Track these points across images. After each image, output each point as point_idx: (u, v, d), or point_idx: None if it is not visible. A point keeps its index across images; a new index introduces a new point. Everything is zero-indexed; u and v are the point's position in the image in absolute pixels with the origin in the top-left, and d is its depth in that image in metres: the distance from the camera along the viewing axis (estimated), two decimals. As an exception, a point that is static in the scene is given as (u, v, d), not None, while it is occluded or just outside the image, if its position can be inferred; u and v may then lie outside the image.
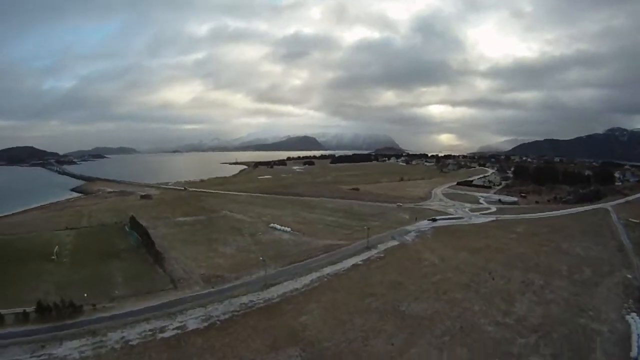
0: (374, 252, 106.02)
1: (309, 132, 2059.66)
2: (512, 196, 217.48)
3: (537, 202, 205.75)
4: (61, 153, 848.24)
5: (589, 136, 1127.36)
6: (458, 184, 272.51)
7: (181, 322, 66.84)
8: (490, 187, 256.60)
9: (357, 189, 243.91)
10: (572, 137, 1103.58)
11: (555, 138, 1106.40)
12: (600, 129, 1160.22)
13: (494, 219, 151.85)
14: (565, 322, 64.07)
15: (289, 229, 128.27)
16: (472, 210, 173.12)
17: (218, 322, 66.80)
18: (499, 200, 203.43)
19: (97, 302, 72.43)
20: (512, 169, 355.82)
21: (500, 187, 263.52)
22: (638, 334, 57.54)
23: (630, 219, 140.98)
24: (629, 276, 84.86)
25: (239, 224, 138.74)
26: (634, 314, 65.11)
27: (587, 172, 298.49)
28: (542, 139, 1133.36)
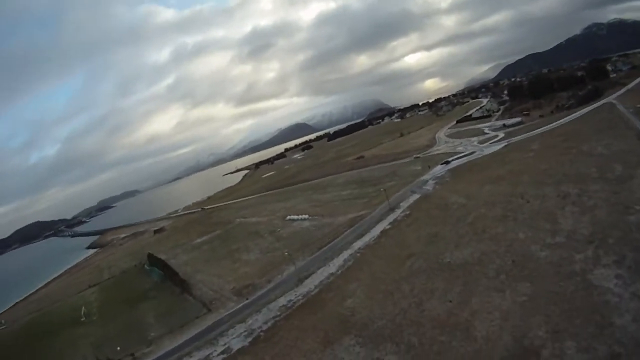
0: (398, 212, 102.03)
1: (298, 119, 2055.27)
2: (514, 118, 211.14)
3: (541, 116, 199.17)
4: (69, 217, 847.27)
5: (568, 40, 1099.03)
6: (457, 122, 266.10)
7: (224, 345, 63.89)
8: (490, 116, 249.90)
9: (362, 157, 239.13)
10: (553, 46, 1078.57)
11: (536, 52, 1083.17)
12: (577, 30, 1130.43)
13: (506, 143, 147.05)
14: (615, 224, 59.60)
15: (306, 216, 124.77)
16: (480, 142, 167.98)
17: (262, 334, 63.59)
18: (504, 125, 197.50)
19: (135, 351, 70.30)
20: (506, 92, 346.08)
21: (500, 112, 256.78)
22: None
23: (638, 105, 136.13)
24: None
25: (256, 227, 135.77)
26: None
27: (579, 74, 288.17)
28: (523, 56, 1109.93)
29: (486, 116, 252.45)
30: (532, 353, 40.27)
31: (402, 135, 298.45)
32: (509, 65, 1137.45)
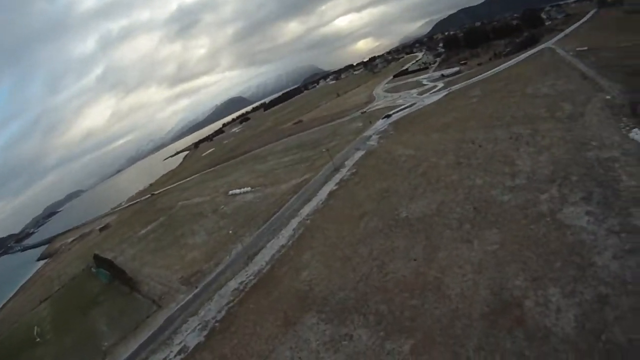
0: (344, 171, 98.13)
1: (233, 94, 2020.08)
2: (452, 68, 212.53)
3: (479, 64, 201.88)
4: (17, 231, 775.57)
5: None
6: (394, 77, 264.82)
7: (180, 343, 58.13)
8: (427, 68, 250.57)
9: (300, 121, 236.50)
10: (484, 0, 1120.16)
11: (468, 6, 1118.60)
12: None
13: (446, 92, 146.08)
14: (575, 160, 58.58)
15: (249, 189, 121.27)
16: (420, 93, 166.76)
17: (217, 325, 58.08)
18: (442, 75, 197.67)
19: (90, 365, 63.48)
20: (441, 44, 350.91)
21: (437, 64, 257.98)
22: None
23: (577, 49, 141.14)
24: (608, 97, 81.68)
25: (199, 208, 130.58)
26: (635, 129, 61.75)
27: (515, 22, 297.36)
28: (455, 10, 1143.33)
29: (423, 69, 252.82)
30: (514, 305, 36.83)
31: (338, 95, 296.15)
32: (442, 21, 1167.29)
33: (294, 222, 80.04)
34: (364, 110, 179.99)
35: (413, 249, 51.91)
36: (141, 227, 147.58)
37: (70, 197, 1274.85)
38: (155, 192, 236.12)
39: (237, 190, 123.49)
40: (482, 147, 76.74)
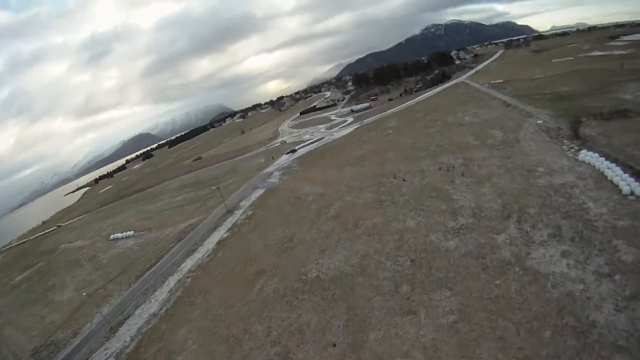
0: (238, 213, 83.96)
1: (141, 130, 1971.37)
2: (362, 103, 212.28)
3: (390, 100, 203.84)
4: None
5: (407, 40, 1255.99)
6: (301, 114, 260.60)
7: None
8: (335, 105, 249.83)
9: (200, 158, 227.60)
10: (393, 45, 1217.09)
11: (376, 51, 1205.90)
12: (416, 30, 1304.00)
13: (358, 125, 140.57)
14: (526, 190, 52.28)
15: (131, 232, 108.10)
16: (328, 128, 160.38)
17: None
18: (351, 110, 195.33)
19: None
20: (350, 82, 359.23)
21: (346, 100, 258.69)
22: (611, 171, 50.68)
23: (492, 82, 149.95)
24: (539, 121, 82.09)
25: (77, 253, 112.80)
26: (584, 151, 59.01)
27: (425, 61, 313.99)
28: (364, 55, 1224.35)
29: (331, 105, 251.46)
30: None
31: (243, 132, 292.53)
32: (350, 64, 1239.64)
33: (172, 281, 63.91)
34: (269, 145, 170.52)
35: (330, 328, 37.17)
36: (18, 273, 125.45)
37: None
38: (44, 232, 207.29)
39: (120, 234, 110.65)
40: (407, 182, 67.06)
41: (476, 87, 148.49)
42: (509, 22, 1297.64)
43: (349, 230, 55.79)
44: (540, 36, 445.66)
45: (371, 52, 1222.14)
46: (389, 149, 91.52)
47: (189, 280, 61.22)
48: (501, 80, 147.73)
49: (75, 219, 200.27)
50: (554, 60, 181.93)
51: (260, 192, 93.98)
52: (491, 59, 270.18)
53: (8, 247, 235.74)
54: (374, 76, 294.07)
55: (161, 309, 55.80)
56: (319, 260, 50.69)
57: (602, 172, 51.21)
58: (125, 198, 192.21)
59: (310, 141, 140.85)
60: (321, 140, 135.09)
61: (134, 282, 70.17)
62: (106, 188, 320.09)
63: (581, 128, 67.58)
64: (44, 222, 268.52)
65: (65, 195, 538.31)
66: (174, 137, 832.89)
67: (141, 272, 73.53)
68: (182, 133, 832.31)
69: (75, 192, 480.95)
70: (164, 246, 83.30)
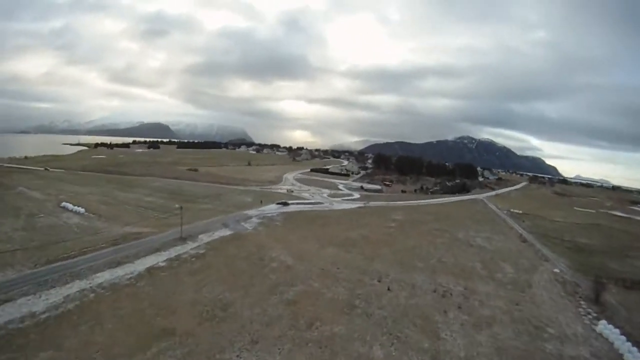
0: (190, 245, 70.42)
1: (163, 120, 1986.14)
2: (375, 184, 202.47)
3: (403, 192, 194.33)
4: None
5: (439, 141, 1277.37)
6: (312, 170, 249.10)
7: None
8: (348, 175, 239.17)
9: (195, 170, 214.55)
10: (423, 142, 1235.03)
11: (407, 141, 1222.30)
12: (450, 136, 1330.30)
13: (362, 204, 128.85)
14: (531, 353, 41.56)
15: (82, 210, 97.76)
16: (332, 195, 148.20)
17: None
18: (361, 187, 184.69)
19: None
20: (370, 160, 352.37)
21: (360, 175, 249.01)
22: (632, 356, 42.99)
23: (511, 210, 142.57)
24: (556, 270, 72.91)
25: (25, 202, 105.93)
26: (603, 322, 50.51)
27: (450, 166, 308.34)
28: (393, 140, 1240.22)
29: (344, 174, 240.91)
30: None
31: (249, 164, 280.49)
32: (377, 144, 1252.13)
33: (75, 287, 51.09)
34: (265, 187, 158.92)
35: None
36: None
37: None
38: (18, 166, 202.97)
39: (71, 206, 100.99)
40: (391, 292, 53.89)
41: (494, 210, 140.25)
42: (538, 159, 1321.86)
43: (299, 330, 41.96)
44: (564, 181, 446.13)
45: (401, 140, 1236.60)
46: (385, 244, 79.01)
47: (90, 298, 47.54)
48: (521, 212, 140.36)
49: (53, 169, 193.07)
50: (575, 208, 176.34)
51: (226, 232, 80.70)
52: (514, 187, 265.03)
53: None
54: (396, 162, 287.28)
55: (43, 310, 43.63)
56: (242, 354, 36.86)
57: (621, 356, 42.91)
58: (106, 174, 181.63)
59: (307, 201, 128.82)
60: (318, 205, 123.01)
61: (44, 265, 58.36)
62: (98, 156, 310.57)
63: (603, 293, 59.65)
64: (25, 157, 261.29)
65: (63, 144, 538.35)
66: (187, 140, 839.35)
67: (55, 258, 61.34)
68: (197, 140, 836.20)
69: (73, 147, 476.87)
70: (100, 240, 71.36)
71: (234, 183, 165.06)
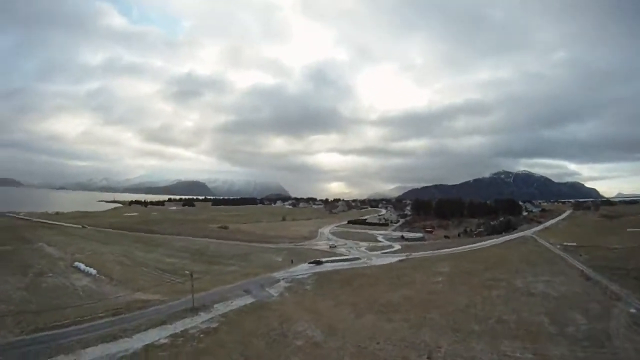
0: (201, 317, 60.84)
1: (199, 178, 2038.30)
2: (416, 232, 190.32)
3: (446, 237, 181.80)
4: None
5: (476, 180, 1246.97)
6: (349, 222, 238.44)
7: None
8: (387, 225, 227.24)
9: (226, 227, 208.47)
10: (460, 182, 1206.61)
11: (443, 183, 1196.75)
12: (486, 173, 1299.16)
13: (403, 257, 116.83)
14: None
15: (94, 271, 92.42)
16: (370, 249, 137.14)
17: None
18: (402, 236, 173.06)
19: None
20: (409, 207, 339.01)
21: (399, 224, 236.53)
22: None
23: (564, 243, 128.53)
24: (632, 310, 60.56)
25: (39, 260, 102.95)
26: None
27: (491, 204, 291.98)
28: (430, 184, 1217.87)
29: (382, 224, 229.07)
30: None
31: (284, 219, 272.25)
32: (414, 189, 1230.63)
33: None
34: (298, 244, 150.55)
35: None
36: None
37: (5, 182, 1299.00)
38: (47, 221, 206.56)
39: (83, 266, 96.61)
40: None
41: (547, 247, 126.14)
42: (577, 183, 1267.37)
43: None
44: (608, 202, 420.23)
45: (437, 183, 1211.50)
46: (433, 305, 66.47)
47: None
48: (575, 244, 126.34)
49: (79, 226, 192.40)
50: (629, 230, 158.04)
51: (247, 300, 70.79)
52: (560, 217, 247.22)
53: (10, 214, 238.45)
54: (436, 207, 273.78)
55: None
56: None
57: None
58: (135, 232, 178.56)
59: (343, 258, 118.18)
60: (355, 262, 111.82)
61: (26, 333, 52.37)
62: (131, 214, 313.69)
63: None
64: (57, 213, 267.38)
65: (99, 201, 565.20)
66: (222, 197, 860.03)
67: (46, 325, 55.16)
68: (234, 197, 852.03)
69: (108, 204, 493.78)
70: (101, 309, 63.95)
71: (265, 241, 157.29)
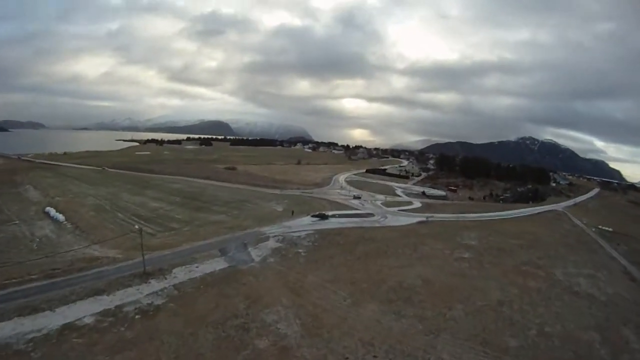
0: (150, 287, 45.49)
1: (222, 118, 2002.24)
2: (438, 189, 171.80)
3: (470, 199, 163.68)
4: None
5: (500, 142, 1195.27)
6: (367, 171, 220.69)
7: None
8: (407, 178, 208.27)
9: (233, 168, 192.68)
10: (484, 142, 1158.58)
11: (467, 141, 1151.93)
12: (512, 137, 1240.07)
13: (423, 219, 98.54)
14: None
15: (62, 218, 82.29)
16: (387, 204, 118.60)
17: None
18: (423, 192, 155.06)
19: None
20: (432, 161, 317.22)
21: (421, 178, 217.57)
22: None
23: (600, 227, 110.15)
24: None
25: (13, 205, 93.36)
26: None
27: (519, 169, 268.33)
28: (454, 140, 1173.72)
29: (403, 176, 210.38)
30: None
31: (299, 163, 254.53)
32: (438, 144, 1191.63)
33: None
34: (306, 191, 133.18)
35: None
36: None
37: (31, 125, 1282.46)
38: (51, 162, 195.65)
39: (53, 212, 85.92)
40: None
41: (582, 228, 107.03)
42: (602, 162, 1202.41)
43: None
44: (633, 186, 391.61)
45: (462, 140, 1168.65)
46: (457, 296, 49.30)
47: None
48: (611, 230, 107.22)
49: (84, 166, 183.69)
50: None
51: (217, 265, 54.04)
52: (588, 195, 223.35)
53: (15, 156, 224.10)
54: (461, 164, 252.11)
55: None
56: None
57: None
58: (135, 172, 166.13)
59: (355, 212, 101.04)
60: (367, 219, 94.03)
61: None
62: (143, 153, 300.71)
63: None
64: (65, 153, 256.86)
65: (116, 140, 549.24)
66: (241, 138, 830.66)
67: None
68: (252, 138, 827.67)
69: (124, 143, 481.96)
70: (33, 267, 50.26)
71: (272, 185, 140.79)
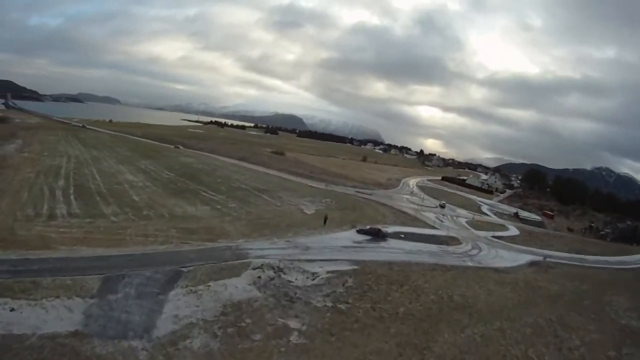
0: None
1: (297, 112, 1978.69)
2: (531, 212, 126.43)
3: (569, 229, 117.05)
4: (41, 92, 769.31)
5: (575, 170, 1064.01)
6: (443, 179, 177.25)
7: None
8: (491, 193, 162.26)
9: (281, 153, 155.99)
10: (559, 168, 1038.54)
11: (542, 165, 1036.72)
12: (588, 165, 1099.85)
13: (539, 259, 58.07)
14: None
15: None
16: (475, 225, 77.15)
17: None
18: (516, 214, 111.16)
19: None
20: (519, 177, 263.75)
21: (506, 195, 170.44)
22: None
23: None
24: None
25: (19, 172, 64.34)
26: None
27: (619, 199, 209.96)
28: (528, 162, 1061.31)
29: (486, 190, 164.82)
30: None
31: (364, 160, 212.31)
32: (510, 164, 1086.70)
33: None
34: (365, 191, 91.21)
35: None
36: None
37: (107, 100, 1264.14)
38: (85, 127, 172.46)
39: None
40: None
41: None
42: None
43: None
44: None
45: (536, 163, 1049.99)
46: None
47: None
48: None
49: (126, 134, 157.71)
50: None
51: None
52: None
53: (56, 118, 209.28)
54: (553, 185, 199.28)
55: None
56: None
57: None
58: (157, 142, 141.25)
59: (429, 234, 60.47)
60: (449, 247, 54.41)
61: None
62: (196, 130, 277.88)
63: None
64: (110, 121, 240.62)
65: (182, 119, 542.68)
66: (310, 131, 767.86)
67: None
68: (322, 132, 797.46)
69: (189, 122, 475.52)
70: None
71: (317, 177, 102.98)
